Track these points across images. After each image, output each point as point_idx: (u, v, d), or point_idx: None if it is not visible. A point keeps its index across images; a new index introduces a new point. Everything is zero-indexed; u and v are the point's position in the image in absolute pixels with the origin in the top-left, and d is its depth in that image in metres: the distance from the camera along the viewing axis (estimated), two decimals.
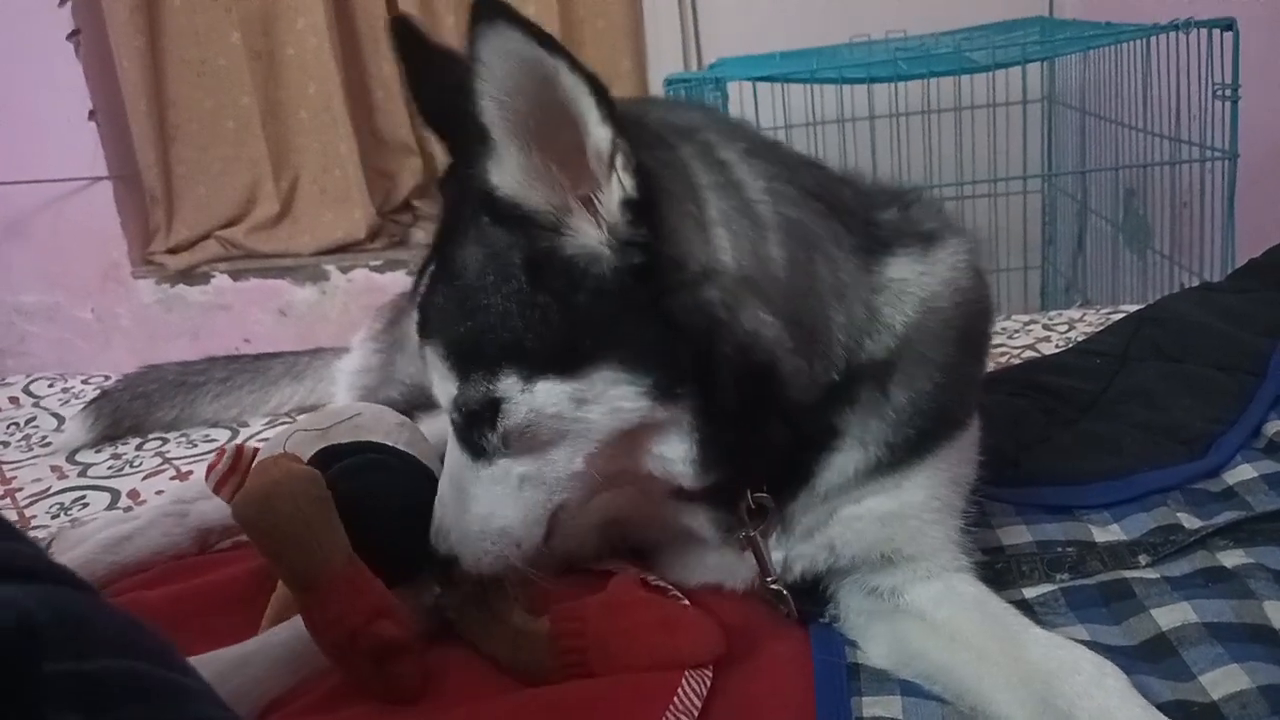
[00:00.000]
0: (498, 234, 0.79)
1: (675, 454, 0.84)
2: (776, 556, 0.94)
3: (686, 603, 0.95)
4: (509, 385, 0.81)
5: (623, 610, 0.90)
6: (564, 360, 0.79)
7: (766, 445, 0.87)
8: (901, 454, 0.91)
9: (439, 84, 0.88)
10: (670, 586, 0.97)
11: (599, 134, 0.73)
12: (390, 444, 1.04)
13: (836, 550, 0.94)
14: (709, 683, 0.85)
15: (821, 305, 0.86)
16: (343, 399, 1.52)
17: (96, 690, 0.50)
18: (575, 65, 0.70)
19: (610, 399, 0.81)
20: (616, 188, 0.75)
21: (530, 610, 0.92)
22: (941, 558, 0.94)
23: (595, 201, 0.76)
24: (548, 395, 0.80)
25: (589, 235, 0.77)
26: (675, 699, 0.81)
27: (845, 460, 0.90)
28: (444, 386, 0.85)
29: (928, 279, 0.92)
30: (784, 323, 0.82)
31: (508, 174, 0.76)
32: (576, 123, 0.73)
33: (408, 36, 0.89)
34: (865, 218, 0.93)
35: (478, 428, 0.84)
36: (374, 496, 0.95)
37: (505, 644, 0.91)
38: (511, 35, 0.69)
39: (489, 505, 0.87)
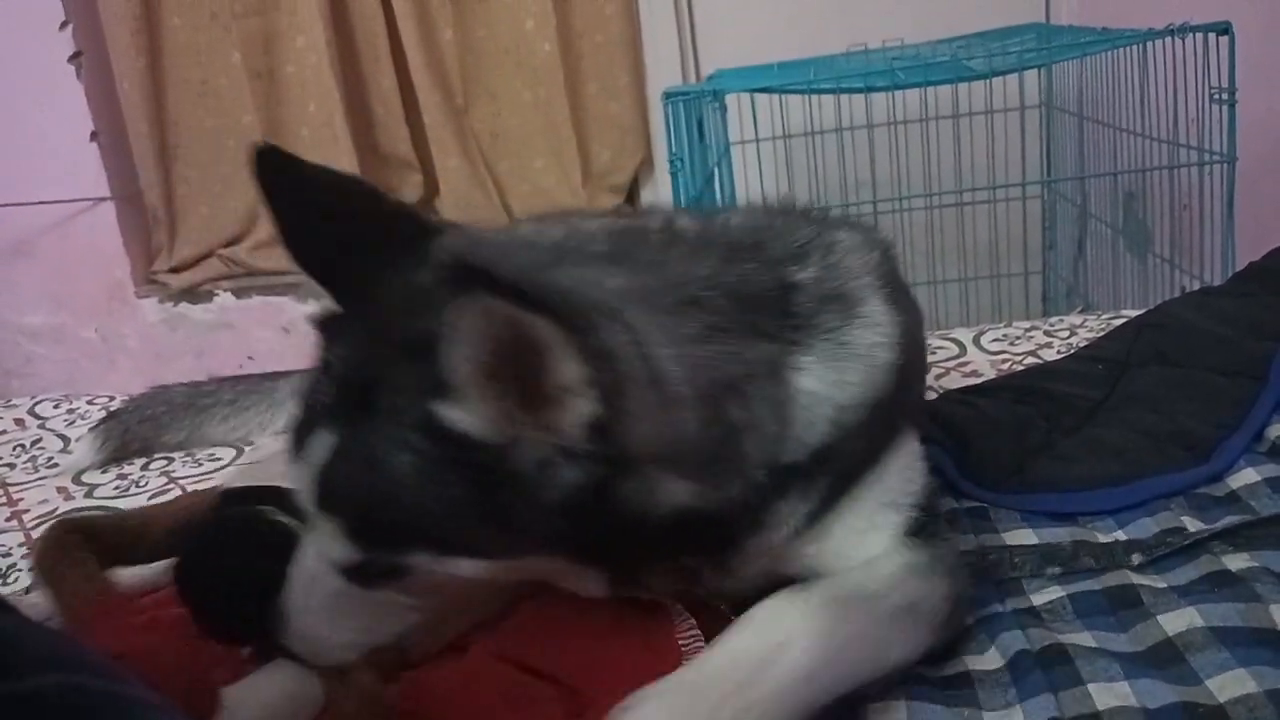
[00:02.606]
0: (431, 448, 0.74)
1: (587, 582, 0.86)
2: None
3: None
4: (422, 560, 0.78)
5: (472, 685, 0.89)
6: (487, 548, 0.79)
7: (684, 555, 0.88)
8: (827, 506, 0.91)
9: (313, 219, 0.83)
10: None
11: (569, 370, 0.70)
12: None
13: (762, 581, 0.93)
14: None
15: (736, 443, 0.83)
16: None
17: (31, 709, 0.50)
18: (551, 311, 0.67)
19: (530, 564, 0.82)
20: (580, 411, 0.72)
21: (384, 673, 0.90)
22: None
23: (550, 423, 0.73)
24: (468, 568, 0.79)
25: (539, 452, 0.73)
26: None
27: (769, 535, 0.89)
28: (334, 548, 0.80)
29: (840, 390, 0.88)
30: (698, 476, 0.80)
31: (460, 412, 0.71)
32: (543, 359, 0.69)
33: (274, 165, 0.82)
34: (779, 299, 0.89)
35: (370, 575, 0.81)
36: (208, 560, 0.96)
37: (349, 702, 0.88)
38: (492, 304, 0.65)
39: (360, 621, 0.85)
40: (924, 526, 0.95)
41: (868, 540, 0.93)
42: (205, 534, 1.00)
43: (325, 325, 0.84)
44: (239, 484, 1.05)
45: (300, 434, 0.80)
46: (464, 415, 0.71)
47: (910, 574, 0.90)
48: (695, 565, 0.90)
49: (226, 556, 0.94)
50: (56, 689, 0.52)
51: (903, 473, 0.97)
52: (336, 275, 0.83)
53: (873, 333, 0.91)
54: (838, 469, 0.90)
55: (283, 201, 0.83)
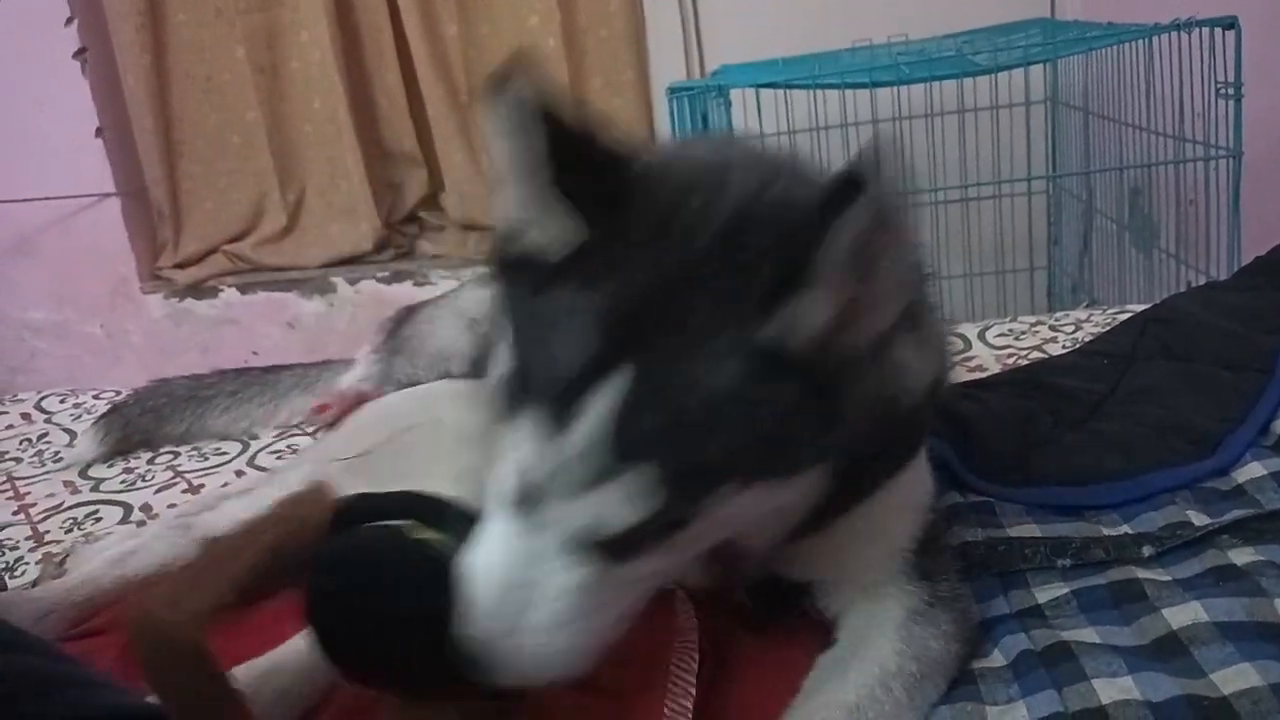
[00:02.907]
0: (762, 358, 0.70)
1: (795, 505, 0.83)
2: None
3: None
4: (721, 496, 0.72)
5: None
6: (786, 463, 0.75)
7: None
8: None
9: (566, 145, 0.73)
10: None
11: (896, 272, 0.71)
12: (441, 485, 0.87)
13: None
14: None
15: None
16: None
17: None
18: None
19: (801, 484, 0.78)
20: (891, 311, 0.74)
21: None
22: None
23: (866, 324, 0.73)
24: (755, 499, 0.74)
25: (851, 353, 0.73)
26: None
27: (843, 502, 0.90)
28: (619, 510, 0.70)
29: (919, 377, 0.90)
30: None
31: (811, 306, 0.69)
32: (879, 263, 0.69)
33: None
34: None
35: (633, 538, 0.72)
36: (352, 600, 0.77)
37: None
38: (878, 205, 0.65)
39: (597, 615, 0.74)
40: (929, 554, 0.95)
41: (875, 549, 0.93)
42: (345, 564, 0.79)
43: (518, 267, 0.77)
44: (353, 493, 0.87)
45: (552, 390, 0.70)
46: (812, 312, 0.69)
47: (911, 623, 0.90)
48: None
49: (383, 589, 0.77)
50: (12, 669, 0.52)
51: (919, 479, 0.98)
52: (586, 202, 0.73)
53: (937, 329, 0.95)
54: (886, 461, 0.91)
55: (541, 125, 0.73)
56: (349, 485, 0.86)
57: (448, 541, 0.77)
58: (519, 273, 0.77)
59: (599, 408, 0.68)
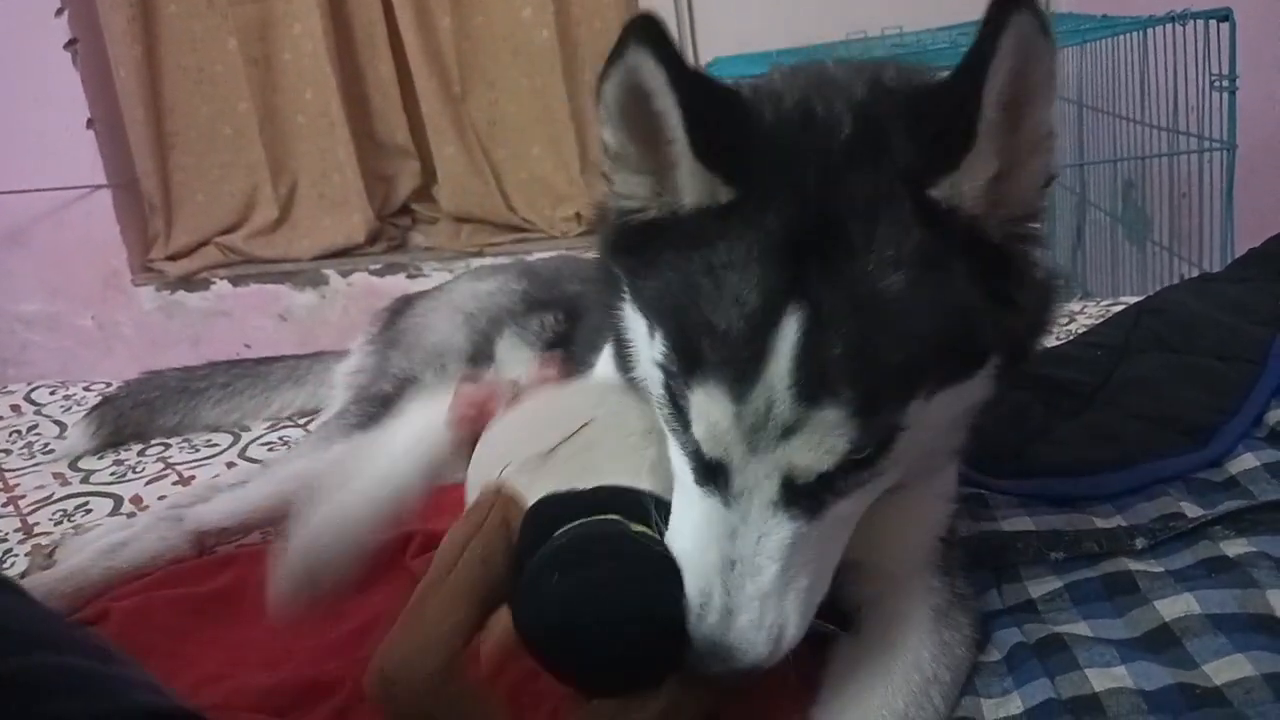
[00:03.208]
0: (929, 244, 0.68)
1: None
2: None
3: None
4: (911, 412, 0.69)
5: None
6: (967, 361, 0.72)
7: None
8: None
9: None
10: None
11: (1049, 118, 0.70)
12: (628, 479, 0.83)
13: None
14: None
15: None
16: (341, 399, 1.52)
17: (14, 688, 0.50)
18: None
19: (978, 386, 0.75)
20: (1049, 165, 0.73)
21: None
22: None
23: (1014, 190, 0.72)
24: (940, 406, 0.72)
25: (1006, 226, 0.72)
26: None
27: None
28: (811, 458, 0.68)
29: None
30: None
31: (980, 172, 0.68)
32: (1034, 107, 0.69)
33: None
34: None
35: (826, 484, 0.70)
36: (595, 602, 0.72)
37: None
38: (1034, 20, 0.65)
39: (811, 571, 0.73)
40: (951, 547, 0.95)
41: (910, 536, 0.92)
42: (568, 564, 0.74)
43: (641, 242, 0.76)
44: (558, 473, 0.83)
45: (725, 351, 0.68)
46: (977, 165, 0.68)
47: (940, 624, 0.89)
48: None
49: (614, 589, 0.73)
50: (44, 669, 0.52)
51: (952, 470, 0.97)
52: (722, 159, 0.71)
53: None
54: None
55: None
56: (537, 486, 0.83)
57: (656, 534, 0.75)
58: (644, 247, 0.75)
59: (779, 360, 0.67)
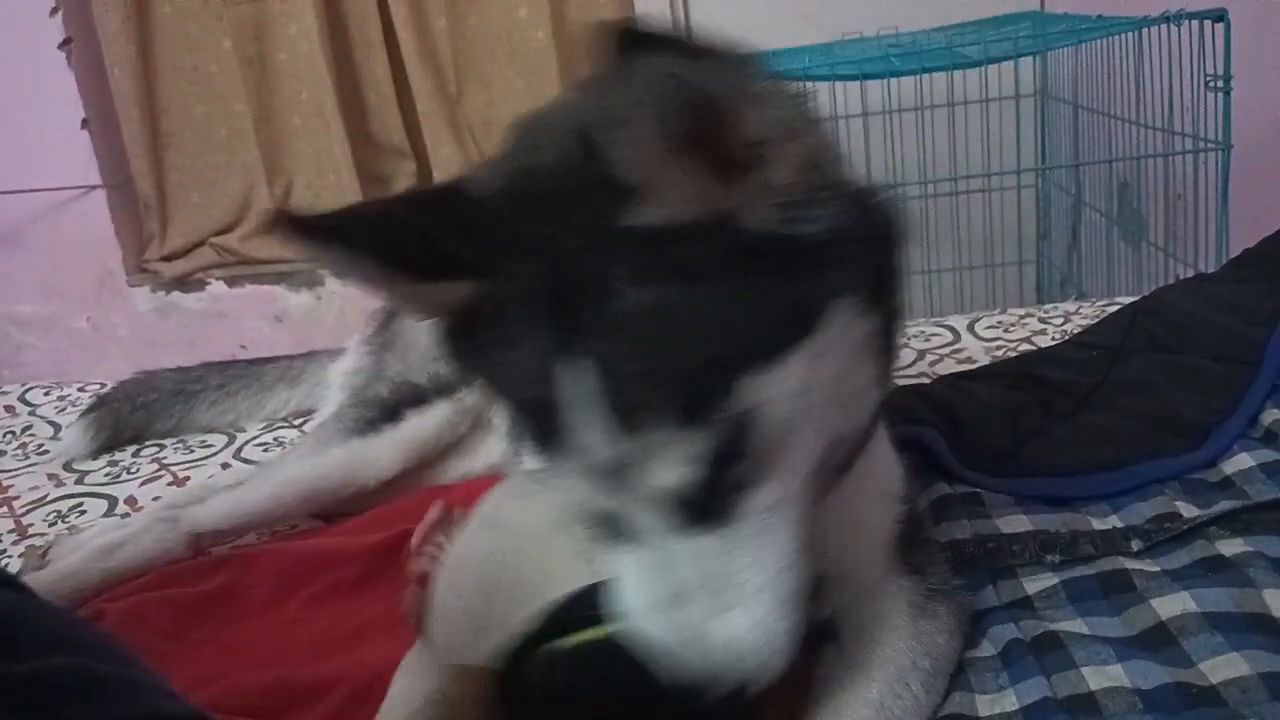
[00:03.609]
0: (673, 256, 0.66)
1: None
2: None
3: None
4: (744, 391, 0.67)
5: None
6: (795, 324, 0.69)
7: None
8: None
9: None
10: None
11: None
12: (570, 586, 0.83)
13: None
14: None
15: None
16: (336, 400, 1.52)
17: (30, 692, 0.49)
18: None
19: (848, 330, 0.73)
20: None
21: None
22: None
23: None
24: (788, 369, 0.69)
25: (764, 212, 0.70)
26: None
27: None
28: (677, 471, 0.68)
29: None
30: None
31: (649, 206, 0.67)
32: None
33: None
34: None
35: (722, 480, 0.69)
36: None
37: None
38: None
39: (768, 565, 0.71)
40: (914, 547, 0.94)
41: (859, 542, 0.91)
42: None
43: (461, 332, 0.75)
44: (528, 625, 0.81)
45: (549, 425, 0.68)
46: (652, 208, 0.65)
47: (915, 617, 0.89)
48: None
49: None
50: (58, 672, 0.51)
51: (888, 468, 0.96)
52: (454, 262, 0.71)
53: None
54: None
55: None
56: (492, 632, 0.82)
57: (607, 628, 0.75)
58: (462, 348, 0.76)
59: (587, 409, 0.66)
